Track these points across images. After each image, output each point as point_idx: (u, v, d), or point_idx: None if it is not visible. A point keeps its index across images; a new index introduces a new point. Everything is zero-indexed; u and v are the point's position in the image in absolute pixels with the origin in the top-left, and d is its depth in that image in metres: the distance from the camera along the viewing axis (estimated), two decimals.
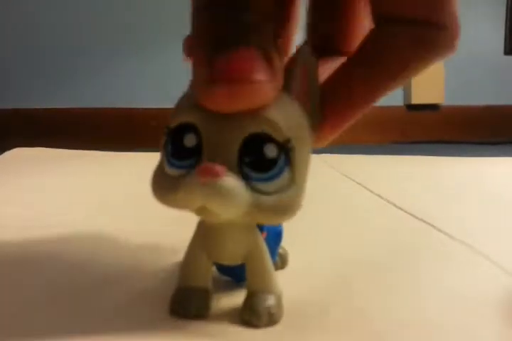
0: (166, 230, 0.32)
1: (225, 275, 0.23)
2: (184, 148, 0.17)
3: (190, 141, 0.17)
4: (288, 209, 0.17)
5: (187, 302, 0.20)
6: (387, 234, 0.34)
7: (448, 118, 1.53)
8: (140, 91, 1.39)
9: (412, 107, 1.53)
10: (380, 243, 0.31)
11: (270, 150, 0.16)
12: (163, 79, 1.39)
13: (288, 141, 0.16)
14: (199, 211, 0.17)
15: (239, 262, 0.20)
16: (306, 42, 0.18)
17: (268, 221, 0.18)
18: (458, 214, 0.39)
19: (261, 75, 0.15)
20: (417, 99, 1.51)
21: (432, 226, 0.35)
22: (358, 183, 0.52)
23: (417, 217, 0.37)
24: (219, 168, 0.16)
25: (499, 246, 0.30)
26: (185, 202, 0.17)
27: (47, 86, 1.40)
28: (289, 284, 0.22)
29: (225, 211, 0.16)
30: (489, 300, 0.22)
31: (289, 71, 0.17)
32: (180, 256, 0.25)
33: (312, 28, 0.22)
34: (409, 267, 0.27)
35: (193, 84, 0.16)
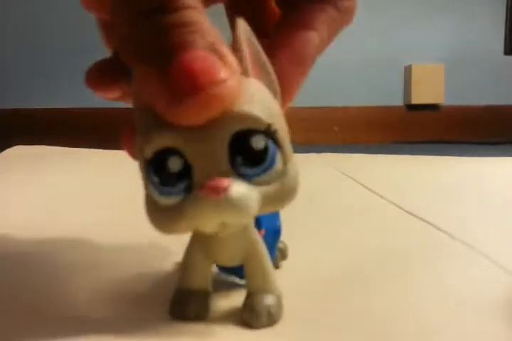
0: None
1: (227, 274, 0.23)
2: (170, 173, 0.16)
3: (175, 165, 0.16)
4: (291, 189, 0.17)
5: (187, 303, 0.20)
6: (387, 234, 0.34)
7: (448, 118, 1.53)
8: None
9: (412, 107, 1.53)
10: (380, 242, 0.31)
11: (257, 142, 0.16)
12: None
13: (269, 126, 0.16)
14: (215, 228, 0.16)
15: (238, 263, 0.20)
16: (239, 20, 0.18)
17: (276, 208, 0.17)
18: (458, 213, 0.39)
19: (221, 73, 0.15)
20: (417, 99, 1.51)
21: (432, 225, 0.35)
22: (358, 182, 0.52)
23: (417, 217, 0.37)
24: (224, 181, 0.15)
25: (499, 246, 0.30)
26: (202, 226, 0.16)
27: (47, 86, 1.40)
28: (288, 284, 0.22)
29: (242, 219, 0.16)
30: (489, 300, 0.22)
31: (237, 51, 0.17)
32: (179, 257, 0.25)
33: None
34: (409, 266, 0.27)
35: (155, 104, 0.15)
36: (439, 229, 0.34)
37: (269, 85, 0.18)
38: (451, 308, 0.22)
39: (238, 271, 0.22)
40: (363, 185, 0.51)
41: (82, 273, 0.25)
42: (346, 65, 1.46)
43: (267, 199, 0.16)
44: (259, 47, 0.18)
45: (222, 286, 0.23)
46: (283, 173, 0.17)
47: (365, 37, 1.48)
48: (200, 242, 0.20)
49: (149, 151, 0.16)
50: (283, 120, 0.18)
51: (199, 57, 0.15)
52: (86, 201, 0.43)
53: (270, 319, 0.19)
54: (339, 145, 1.16)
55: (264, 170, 0.16)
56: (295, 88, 0.20)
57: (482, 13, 1.53)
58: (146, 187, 0.17)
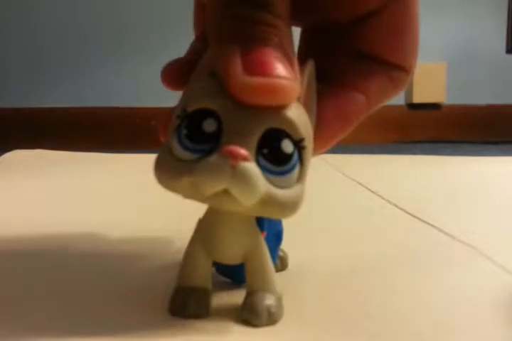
0: (166, 230, 0.32)
1: (224, 277, 0.23)
2: (202, 132, 0.17)
3: (209, 126, 0.17)
4: (295, 204, 0.17)
5: (186, 301, 0.20)
6: (388, 234, 0.33)
7: (449, 117, 1.53)
8: (140, 91, 1.39)
9: (413, 106, 1.53)
10: (381, 243, 0.31)
11: (287, 146, 0.17)
12: None
13: (302, 140, 0.17)
14: (215, 197, 0.16)
15: (239, 261, 0.20)
16: (310, 60, 0.19)
17: (276, 214, 0.17)
18: (459, 214, 0.39)
19: (288, 73, 0.16)
20: (418, 98, 1.51)
21: (433, 226, 0.35)
22: (358, 183, 0.52)
23: (417, 217, 0.37)
24: (245, 152, 0.16)
25: (501, 246, 0.30)
26: (207, 186, 0.16)
27: (47, 85, 1.40)
28: (289, 284, 0.21)
29: (246, 196, 0.16)
30: (491, 300, 0.22)
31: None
32: (180, 255, 0.25)
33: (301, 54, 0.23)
34: (410, 267, 0.27)
35: (224, 75, 0.17)
36: (440, 229, 0.34)
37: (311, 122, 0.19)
38: (452, 309, 0.22)
39: (236, 274, 0.22)
40: (363, 186, 0.50)
41: (81, 273, 0.25)
42: None
43: (272, 200, 0.17)
44: (314, 91, 0.19)
45: (222, 285, 0.23)
46: (293, 186, 0.17)
47: None
48: (201, 240, 0.20)
49: (193, 107, 0.17)
50: (311, 151, 0.19)
51: (276, 55, 0.16)
52: (85, 204, 0.43)
53: (270, 318, 0.19)
54: (340, 144, 1.16)
55: (280, 173, 0.17)
56: (329, 141, 0.20)
57: (484, 12, 1.53)
58: (170, 138, 0.18)
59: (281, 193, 0.17)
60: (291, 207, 0.17)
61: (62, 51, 1.39)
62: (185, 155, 0.17)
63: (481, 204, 0.43)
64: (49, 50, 1.39)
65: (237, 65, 0.16)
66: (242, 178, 0.16)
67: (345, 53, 0.21)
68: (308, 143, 0.18)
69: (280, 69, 0.16)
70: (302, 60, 0.21)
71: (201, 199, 0.17)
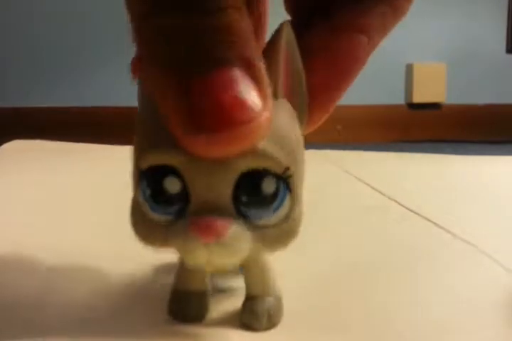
0: None
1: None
2: (166, 193, 0.15)
3: (172, 186, 0.15)
4: (292, 234, 0.16)
5: (185, 305, 0.19)
6: (389, 232, 0.33)
7: (450, 117, 1.53)
8: None
9: (413, 106, 1.53)
10: (382, 241, 0.31)
11: (269, 186, 0.15)
12: None
13: (287, 169, 0.15)
14: (200, 263, 0.15)
15: (237, 265, 0.20)
16: (286, 23, 0.15)
17: (273, 251, 0.16)
18: (460, 212, 0.39)
19: (256, 107, 0.12)
20: (418, 98, 1.51)
21: (434, 224, 0.35)
22: (359, 180, 0.52)
23: (419, 215, 0.37)
24: (220, 223, 0.14)
25: (501, 245, 0.30)
26: (187, 259, 0.15)
27: (46, 85, 1.40)
28: (288, 285, 0.21)
29: (230, 262, 0.15)
30: (492, 300, 0.22)
31: (271, 68, 0.14)
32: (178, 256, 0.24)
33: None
34: (411, 266, 0.27)
35: (169, 126, 0.13)
36: (441, 227, 0.34)
37: (298, 107, 0.16)
38: (453, 307, 0.21)
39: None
40: (364, 183, 0.50)
41: (80, 273, 0.25)
42: None
43: (265, 243, 0.15)
44: (299, 63, 0.16)
45: (221, 287, 0.23)
46: (287, 217, 0.15)
47: None
48: None
49: (145, 164, 0.15)
50: (302, 153, 0.16)
51: (234, 83, 0.12)
52: (87, 196, 0.42)
53: (270, 321, 0.19)
54: (340, 143, 1.16)
55: (268, 215, 0.15)
56: (328, 107, 0.18)
57: (484, 12, 1.53)
58: (136, 192, 0.16)
59: (274, 232, 0.15)
60: (289, 238, 0.16)
61: (62, 51, 1.39)
62: (157, 217, 0.15)
63: (481, 203, 0.43)
64: (49, 50, 1.39)
65: (182, 110, 0.12)
66: (219, 253, 0.14)
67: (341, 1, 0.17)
68: (297, 161, 0.15)
69: (242, 109, 0.12)
70: (288, 7, 0.18)
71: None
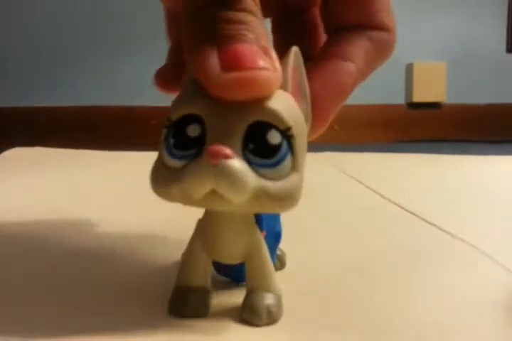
0: (165, 229, 0.32)
1: (223, 277, 0.23)
2: (187, 138, 0.17)
3: (193, 130, 0.17)
4: (291, 196, 0.17)
5: (186, 301, 0.20)
6: (388, 233, 0.33)
7: (450, 117, 1.53)
8: (140, 90, 1.39)
9: (413, 105, 1.53)
10: (381, 242, 0.31)
11: (273, 137, 0.17)
12: None
13: (289, 128, 0.17)
14: (206, 198, 0.16)
15: (239, 261, 0.20)
16: (295, 46, 0.19)
17: (273, 208, 0.17)
18: (460, 212, 0.39)
19: (266, 64, 0.16)
20: (418, 97, 1.51)
21: (434, 225, 0.35)
22: (358, 181, 0.52)
23: (418, 216, 0.37)
24: (227, 149, 0.16)
25: (501, 245, 0.30)
26: (194, 189, 0.16)
27: (46, 84, 1.40)
28: (289, 284, 0.21)
29: (234, 193, 0.16)
30: (491, 299, 0.22)
31: (283, 71, 0.18)
32: (179, 255, 0.25)
33: (279, 41, 0.24)
34: (410, 266, 0.27)
35: (202, 76, 0.17)
36: (440, 228, 0.34)
37: (304, 110, 0.19)
38: (453, 308, 0.21)
39: (235, 273, 0.22)
40: (363, 184, 0.50)
41: (80, 272, 0.25)
42: None
43: (267, 194, 0.17)
44: (304, 76, 0.19)
45: (222, 284, 0.23)
46: (287, 177, 0.17)
47: None
48: (201, 240, 0.20)
49: (176, 115, 0.17)
50: (305, 139, 0.18)
51: (252, 49, 0.16)
52: (85, 203, 0.43)
53: (270, 318, 0.19)
54: (340, 143, 1.16)
55: (270, 165, 0.17)
56: (327, 117, 0.20)
57: (484, 11, 1.53)
58: (160, 149, 0.18)
59: (274, 185, 0.17)
60: (288, 197, 0.17)
61: (62, 51, 1.39)
62: (174, 163, 0.17)
63: (481, 203, 0.43)
64: (49, 49, 1.39)
65: (213, 64, 0.16)
66: (226, 176, 0.16)
67: (324, 30, 0.21)
68: (299, 131, 0.18)
69: (257, 60, 0.16)
70: (280, 48, 0.21)
71: (194, 203, 0.17)
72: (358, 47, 0.20)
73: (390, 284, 0.24)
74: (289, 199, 0.17)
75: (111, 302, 0.21)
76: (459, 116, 1.53)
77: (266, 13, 0.22)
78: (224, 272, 0.23)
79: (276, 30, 0.24)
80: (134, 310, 0.20)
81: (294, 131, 0.17)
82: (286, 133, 0.17)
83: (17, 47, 1.38)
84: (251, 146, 0.17)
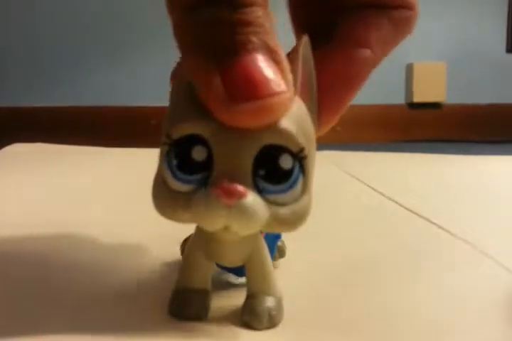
0: (166, 229, 0.32)
1: (225, 271, 0.23)
2: (192, 161, 0.16)
3: (199, 154, 0.16)
4: (303, 217, 0.17)
5: (186, 303, 0.19)
6: (389, 232, 0.33)
7: (450, 117, 1.53)
8: (140, 90, 1.39)
9: (413, 105, 1.53)
10: (382, 241, 0.31)
11: (285, 162, 0.16)
12: (164, 78, 1.39)
13: (302, 149, 0.16)
14: (218, 230, 0.16)
15: (239, 264, 0.20)
16: (304, 36, 0.17)
17: (283, 231, 0.17)
18: (460, 212, 0.39)
19: (278, 86, 0.15)
20: (418, 98, 1.51)
21: (434, 224, 0.35)
22: (359, 180, 0.52)
23: (419, 215, 0.37)
24: (240, 187, 0.15)
25: (501, 245, 0.30)
26: (206, 225, 0.16)
27: (46, 84, 1.40)
28: (289, 285, 0.21)
29: (247, 230, 0.16)
30: (491, 299, 0.22)
31: (292, 70, 0.16)
32: (179, 256, 0.24)
33: (297, 15, 0.21)
34: (410, 266, 0.27)
35: (206, 101, 0.15)
36: (441, 227, 0.34)
37: (311, 109, 0.18)
38: (453, 307, 0.21)
39: (236, 268, 0.22)
40: (364, 183, 0.50)
41: (81, 272, 0.25)
42: None
43: (278, 221, 0.16)
44: (312, 70, 0.18)
45: (222, 287, 0.23)
46: (297, 201, 0.17)
47: None
48: (201, 242, 0.20)
49: (177, 133, 0.16)
50: (315, 147, 0.17)
51: (261, 64, 0.15)
52: (86, 199, 0.42)
53: (271, 321, 0.19)
54: (340, 143, 1.16)
55: (282, 191, 0.16)
56: (338, 111, 0.19)
57: (484, 11, 1.53)
58: (161, 166, 0.17)
59: (285, 212, 0.16)
60: (298, 221, 0.17)
61: (62, 51, 1.39)
62: (179, 186, 0.16)
63: (481, 203, 0.43)
64: (49, 49, 1.39)
65: (218, 87, 0.14)
66: (240, 217, 0.15)
67: (337, 8, 0.19)
68: (310, 147, 0.17)
69: (268, 84, 0.14)
70: (296, 25, 0.19)
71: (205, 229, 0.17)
72: (376, 31, 0.18)
73: (391, 284, 0.24)
74: (300, 221, 0.17)
75: (111, 304, 0.21)
76: (459, 116, 1.53)
77: None
78: (226, 267, 0.23)
79: (294, 9, 0.21)
80: (134, 312, 0.20)
81: (307, 150, 0.16)
82: (300, 155, 0.16)
83: (17, 47, 1.38)
84: (262, 172, 0.16)
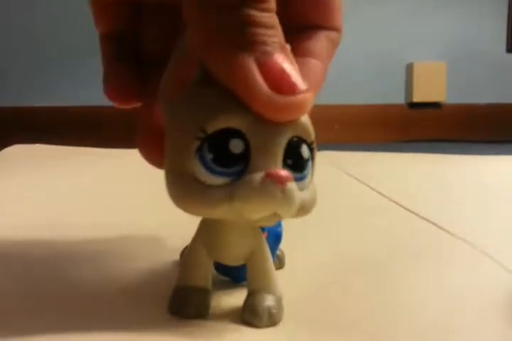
0: (166, 229, 0.32)
1: (223, 276, 0.23)
2: (230, 154, 0.16)
3: (237, 147, 0.16)
4: (314, 203, 0.18)
5: (187, 302, 0.20)
6: (388, 233, 0.33)
7: (450, 116, 1.53)
8: None
9: (413, 105, 1.53)
10: (381, 241, 0.31)
11: (305, 152, 0.18)
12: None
13: (313, 141, 0.18)
14: (261, 218, 0.17)
15: (240, 262, 0.20)
16: None
17: (299, 216, 0.18)
18: (460, 212, 0.39)
19: (306, 84, 0.16)
20: (418, 97, 1.51)
21: (434, 224, 0.35)
22: (358, 180, 0.52)
23: (418, 215, 0.37)
24: (287, 172, 0.16)
25: (501, 245, 0.30)
26: (257, 211, 0.16)
27: (46, 84, 1.40)
28: (289, 284, 0.21)
29: (290, 214, 0.17)
30: (491, 299, 0.22)
31: None
32: (179, 255, 0.24)
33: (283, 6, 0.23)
34: (410, 266, 0.27)
35: (248, 93, 0.16)
36: (440, 227, 0.34)
37: None
38: (452, 307, 0.21)
39: (236, 273, 0.22)
40: (364, 184, 0.50)
41: (81, 271, 0.25)
42: (347, 63, 1.46)
43: (302, 206, 0.17)
44: None
45: (223, 285, 0.23)
46: (308, 187, 0.18)
47: (366, 35, 1.47)
48: (203, 240, 0.20)
49: (213, 127, 0.16)
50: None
51: (288, 61, 0.16)
52: (86, 200, 0.42)
53: (271, 320, 0.19)
54: (340, 143, 1.16)
55: (302, 178, 0.18)
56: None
57: (484, 11, 1.53)
58: (187, 160, 0.16)
59: (306, 196, 0.18)
60: (311, 206, 0.18)
61: (62, 51, 1.39)
62: (216, 180, 0.16)
63: (481, 203, 0.43)
64: (49, 49, 1.39)
65: (260, 82, 0.16)
66: (290, 201, 0.16)
67: (286, 30, 0.21)
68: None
69: (300, 82, 0.16)
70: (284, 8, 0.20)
71: (243, 221, 0.17)
72: (322, 46, 0.21)
73: (391, 283, 0.24)
74: (312, 206, 0.18)
75: (111, 302, 0.21)
76: (459, 116, 1.53)
77: None
78: (224, 271, 0.23)
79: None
80: (134, 310, 0.20)
81: (315, 140, 0.18)
82: (311, 146, 0.18)
83: (17, 47, 1.38)
84: (289, 162, 0.17)
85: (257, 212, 0.16)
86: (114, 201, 0.42)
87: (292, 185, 0.16)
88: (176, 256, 0.25)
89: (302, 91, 0.16)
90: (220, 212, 0.16)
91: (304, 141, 0.18)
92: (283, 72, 0.16)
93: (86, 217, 0.36)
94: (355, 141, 1.38)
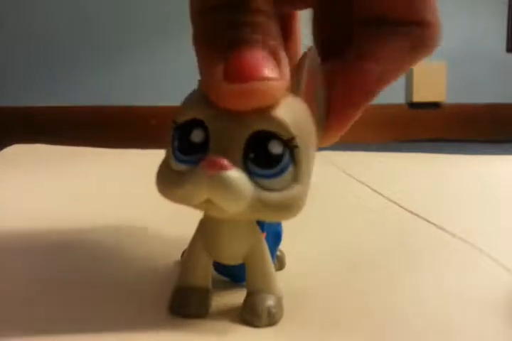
0: (166, 228, 0.32)
1: (222, 276, 0.23)
2: (191, 143, 0.17)
3: (197, 136, 0.17)
4: (291, 207, 0.17)
5: (186, 301, 0.20)
6: (388, 233, 0.33)
7: (450, 116, 1.53)
8: (140, 90, 1.39)
9: (413, 105, 1.53)
10: (381, 241, 0.31)
11: (275, 147, 0.17)
12: (163, 78, 1.39)
13: (292, 139, 0.17)
14: (204, 205, 0.17)
15: (239, 262, 0.20)
16: (311, 48, 0.18)
17: (271, 218, 0.18)
18: (460, 212, 0.39)
19: (271, 73, 0.16)
20: (418, 97, 1.51)
21: (434, 224, 0.35)
22: (358, 181, 0.52)
23: (418, 215, 0.37)
24: (224, 160, 0.16)
25: (501, 245, 0.30)
26: (191, 196, 0.17)
27: (46, 84, 1.40)
28: (289, 285, 0.21)
29: (229, 204, 0.16)
30: (491, 299, 0.22)
31: (297, 74, 0.18)
32: (179, 254, 0.24)
33: (318, 29, 0.22)
34: (410, 266, 0.27)
35: (205, 84, 0.17)
36: (440, 227, 0.34)
37: (318, 117, 0.19)
38: (452, 307, 0.21)
39: (235, 273, 0.22)
40: (363, 183, 0.50)
41: (81, 271, 0.25)
42: None
43: (264, 204, 0.17)
44: (318, 78, 0.19)
45: (223, 285, 0.23)
46: (288, 188, 0.17)
47: None
48: (202, 240, 0.20)
49: (181, 118, 0.17)
50: (312, 148, 0.18)
51: (258, 55, 0.16)
52: (87, 200, 0.42)
53: (271, 319, 0.19)
54: (340, 143, 1.16)
55: (270, 176, 0.17)
56: (344, 124, 0.20)
57: (484, 11, 1.53)
58: (168, 150, 0.18)
59: (272, 196, 0.17)
60: (286, 208, 0.17)
61: (62, 51, 1.39)
62: (178, 166, 0.17)
63: (481, 203, 0.43)
64: (49, 49, 1.39)
65: (218, 73, 0.16)
66: (221, 187, 0.16)
67: (352, 23, 0.20)
68: (305, 141, 0.17)
69: (261, 70, 0.16)
70: (315, 39, 0.20)
71: (195, 207, 0.17)
72: (387, 46, 0.19)
73: (390, 283, 0.24)
74: (288, 210, 0.17)
75: (111, 302, 0.21)
76: (459, 116, 1.53)
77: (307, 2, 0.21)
78: (223, 271, 0.23)
79: (316, 21, 0.22)
80: (135, 310, 0.20)
81: (299, 141, 0.17)
82: (290, 144, 0.17)
83: (17, 47, 1.39)
84: (252, 156, 0.17)
85: (189, 196, 0.17)
86: (114, 201, 0.42)
87: (226, 173, 0.16)
88: (177, 256, 0.25)
89: (256, 78, 0.16)
90: (176, 196, 0.17)
91: (276, 137, 0.17)
92: (243, 62, 0.16)
93: (86, 217, 0.36)
94: (355, 141, 1.38)
